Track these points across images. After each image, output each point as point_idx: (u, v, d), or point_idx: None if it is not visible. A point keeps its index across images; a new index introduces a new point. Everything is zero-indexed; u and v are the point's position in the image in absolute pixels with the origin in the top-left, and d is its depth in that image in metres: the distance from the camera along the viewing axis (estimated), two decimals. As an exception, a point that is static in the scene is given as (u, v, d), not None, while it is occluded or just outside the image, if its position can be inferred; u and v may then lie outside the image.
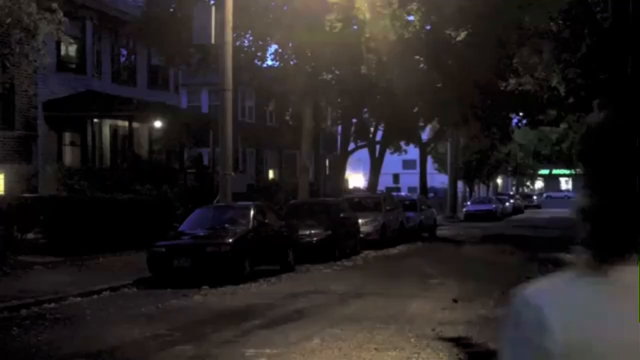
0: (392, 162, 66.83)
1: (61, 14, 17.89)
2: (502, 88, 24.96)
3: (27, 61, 18.68)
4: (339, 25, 25.52)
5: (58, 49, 26.04)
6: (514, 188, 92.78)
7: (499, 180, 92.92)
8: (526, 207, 73.12)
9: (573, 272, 1.48)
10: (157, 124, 29.66)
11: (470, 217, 50.45)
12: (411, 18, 27.66)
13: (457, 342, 9.87)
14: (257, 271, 17.42)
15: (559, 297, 1.46)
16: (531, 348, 1.46)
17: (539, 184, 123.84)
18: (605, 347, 1.39)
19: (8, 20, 17.42)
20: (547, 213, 64.45)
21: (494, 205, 54.67)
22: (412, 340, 9.93)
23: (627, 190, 1.41)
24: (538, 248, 25.85)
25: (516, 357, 1.50)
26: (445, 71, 32.52)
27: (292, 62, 29.98)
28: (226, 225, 18.42)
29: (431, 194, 58.12)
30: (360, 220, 25.51)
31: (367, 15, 25.00)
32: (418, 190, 49.33)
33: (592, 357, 1.40)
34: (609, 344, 1.39)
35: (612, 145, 1.46)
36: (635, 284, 1.39)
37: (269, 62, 35.93)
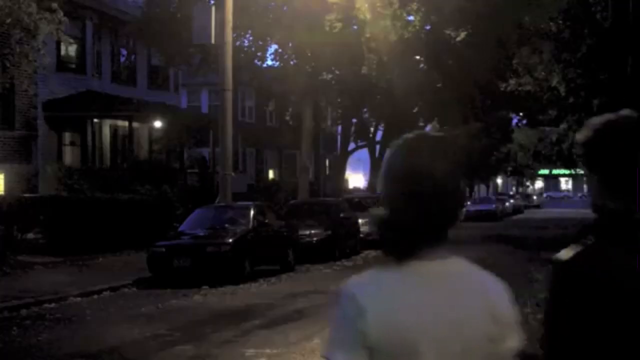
0: (392, 162, 66.66)
1: (61, 13, 17.88)
2: (502, 88, 24.94)
3: (27, 61, 18.68)
4: (338, 25, 25.52)
5: (58, 49, 26.04)
6: (514, 188, 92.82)
7: (499, 180, 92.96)
8: (526, 207, 73.15)
9: (381, 268, 1.96)
10: (157, 124, 29.65)
11: (470, 217, 50.45)
12: (411, 18, 27.66)
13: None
14: (257, 271, 17.42)
15: (371, 287, 1.92)
16: (351, 328, 1.88)
17: (539, 184, 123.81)
18: (407, 320, 1.88)
19: (8, 20, 17.42)
20: (547, 213, 64.48)
21: (494, 205, 54.66)
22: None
23: (405, 210, 1.92)
24: (538, 248, 25.85)
25: (341, 337, 1.90)
26: (445, 71, 32.52)
27: (292, 62, 29.97)
28: (226, 225, 18.41)
29: (431, 194, 58.06)
30: (360, 220, 25.50)
31: (368, 16, 25.00)
32: (418, 190, 49.33)
33: (397, 330, 1.87)
34: (409, 318, 1.88)
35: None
36: (428, 273, 1.93)
37: (269, 62, 35.98)
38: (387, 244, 1.97)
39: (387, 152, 2.14)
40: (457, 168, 2.06)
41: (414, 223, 1.93)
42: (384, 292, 1.91)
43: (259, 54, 29.98)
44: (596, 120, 2.15)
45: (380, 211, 1.99)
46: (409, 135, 2.20)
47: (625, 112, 2.16)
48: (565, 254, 2.12)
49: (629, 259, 2.00)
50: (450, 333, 1.92)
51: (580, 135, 2.17)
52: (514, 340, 2.05)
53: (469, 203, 57.38)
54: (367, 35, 25.74)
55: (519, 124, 45.42)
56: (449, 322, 1.92)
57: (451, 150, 2.08)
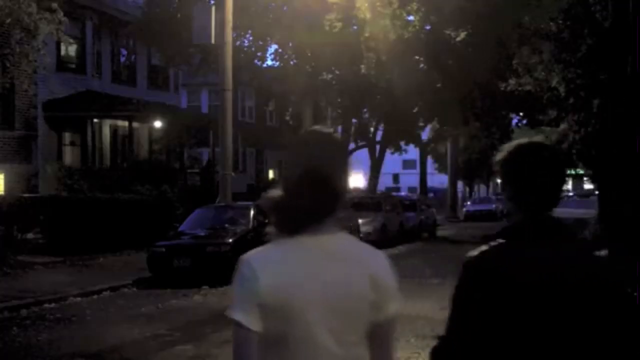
0: (392, 162, 66.84)
1: (61, 13, 17.89)
2: (502, 88, 24.91)
3: (27, 61, 18.68)
4: (338, 25, 25.52)
5: (58, 49, 26.04)
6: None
7: (499, 180, 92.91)
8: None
9: (274, 242, 2.34)
10: (157, 124, 29.65)
11: (470, 217, 50.42)
12: (411, 18, 27.67)
13: (457, 342, 9.87)
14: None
15: (263, 256, 2.32)
16: (247, 289, 2.26)
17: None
18: (289, 281, 2.25)
19: (8, 20, 17.43)
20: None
21: (494, 205, 54.64)
22: (412, 340, 9.92)
23: (301, 194, 2.29)
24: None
25: (239, 298, 2.28)
26: (445, 71, 32.50)
27: (292, 62, 29.97)
28: (226, 225, 18.41)
29: (431, 194, 58.13)
30: (360, 220, 25.49)
31: (368, 15, 24.99)
32: (418, 190, 49.36)
33: (281, 290, 2.24)
34: (290, 279, 2.25)
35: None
36: (312, 244, 2.28)
37: (269, 62, 36.07)
38: (281, 222, 2.34)
39: (290, 146, 2.46)
40: (342, 160, 2.43)
41: (308, 205, 2.29)
42: (273, 260, 2.30)
43: (259, 54, 30.00)
44: (511, 144, 2.63)
45: (273, 194, 2.37)
46: (306, 130, 2.61)
47: (536, 138, 2.65)
48: (474, 252, 2.54)
49: (533, 256, 2.43)
50: (324, 293, 2.26)
51: (499, 155, 2.63)
52: (394, 306, 2.39)
53: (469, 203, 57.43)
54: (367, 34, 25.73)
55: (519, 124, 45.35)
56: (323, 283, 2.27)
57: (337, 144, 2.47)
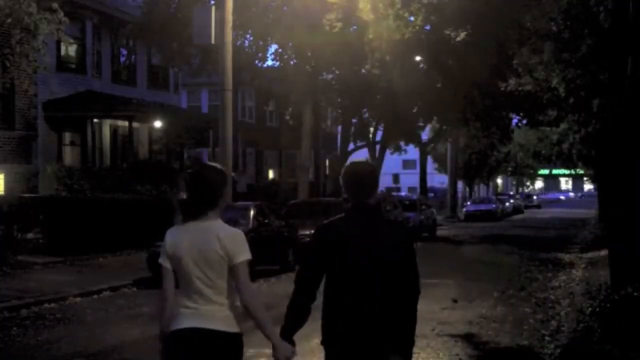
0: (392, 162, 66.87)
1: (62, 13, 17.88)
2: (502, 88, 24.88)
3: (28, 61, 18.67)
4: (338, 25, 25.52)
5: (58, 49, 26.05)
6: (514, 188, 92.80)
7: (499, 180, 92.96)
8: (526, 207, 73.17)
9: (179, 224, 4.45)
10: (157, 124, 29.65)
11: (470, 217, 50.41)
12: (412, 18, 27.67)
13: (457, 342, 9.87)
14: (256, 271, 17.38)
15: (172, 232, 4.46)
16: (163, 247, 4.44)
17: (539, 184, 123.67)
18: (176, 244, 4.40)
19: (9, 20, 17.43)
20: (546, 213, 64.48)
21: (494, 205, 54.64)
22: (412, 340, 9.92)
23: (190, 196, 4.46)
24: (538, 248, 25.86)
25: (161, 252, 4.46)
26: (445, 71, 32.52)
27: (292, 62, 29.98)
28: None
29: (431, 194, 58.10)
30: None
31: (371, 16, 25.00)
32: (418, 190, 49.34)
33: (173, 248, 4.40)
34: (178, 243, 4.39)
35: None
36: (194, 226, 4.36)
37: (269, 62, 36.05)
38: (182, 213, 4.43)
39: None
40: (216, 176, 4.49)
41: (193, 202, 4.42)
42: (173, 233, 4.46)
43: (259, 54, 29.99)
44: (346, 164, 4.61)
45: (182, 197, 4.47)
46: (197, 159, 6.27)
47: (362, 160, 4.90)
48: (325, 221, 4.47)
49: (355, 223, 4.39)
50: (194, 251, 4.34)
51: (342, 170, 4.57)
52: (242, 256, 4.32)
53: (469, 203, 57.40)
54: (370, 35, 25.72)
55: (519, 124, 45.32)
56: (193, 245, 4.34)
57: (212, 167, 4.60)
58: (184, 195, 4.43)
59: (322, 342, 4.39)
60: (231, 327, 4.35)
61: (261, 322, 4.37)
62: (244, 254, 4.32)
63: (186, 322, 4.36)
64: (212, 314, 4.33)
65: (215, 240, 4.30)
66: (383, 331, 4.26)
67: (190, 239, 4.35)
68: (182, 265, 4.36)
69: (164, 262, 4.44)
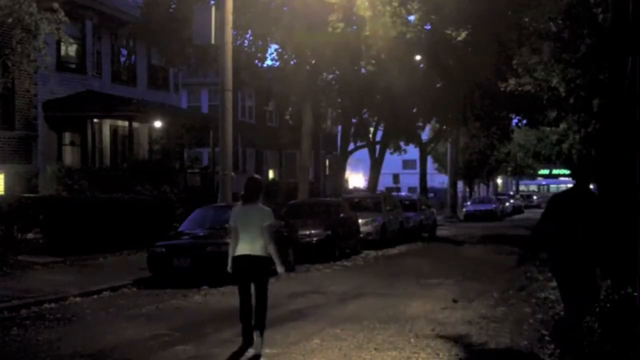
0: (392, 162, 66.80)
1: (62, 13, 17.89)
2: (502, 88, 24.90)
3: (28, 61, 18.68)
4: (340, 25, 25.52)
5: (58, 49, 26.05)
6: (514, 188, 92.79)
7: (499, 180, 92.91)
8: (526, 207, 73.18)
9: (241, 204, 9.62)
10: (157, 124, 29.64)
11: (470, 217, 50.44)
12: (411, 18, 27.66)
13: (457, 342, 9.87)
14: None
15: (237, 208, 9.70)
16: (232, 215, 9.61)
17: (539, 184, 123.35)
18: (236, 214, 9.56)
19: (9, 20, 17.43)
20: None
21: (494, 205, 54.66)
22: (412, 340, 9.93)
23: (245, 190, 9.83)
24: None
25: (231, 217, 9.63)
26: (445, 71, 32.53)
27: (292, 62, 29.96)
28: (226, 225, 18.36)
29: (431, 194, 58.11)
30: (360, 220, 25.49)
31: (368, 13, 24.98)
32: (418, 190, 49.34)
33: (235, 218, 9.53)
34: (238, 214, 9.55)
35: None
36: (246, 206, 9.55)
37: (269, 62, 36.01)
38: (243, 200, 9.53)
39: None
40: (258, 182, 9.77)
41: (248, 195, 9.53)
42: (238, 208, 9.61)
43: (259, 54, 29.96)
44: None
45: (242, 193, 9.69)
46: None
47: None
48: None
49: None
50: (248, 218, 9.39)
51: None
52: (268, 222, 9.35)
53: (468, 203, 57.42)
54: (367, 32, 25.70)
55: (519, 124, 45.34)
56: (247, 215, 9.41)
57: (256, 177, 10.17)
58: (242, 192, 9.55)
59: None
60: (263, 253, 9.34)
61: (272, 252, 9.32)
62: (269, 221, 9.35)
63: (242, 250, 9.34)
64: (254, 247, 9.31)
65: (259, 213, 9.35)
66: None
67: (246, 211, 9.38)
68: (242, 224, 9.33)
69: (232, 223, 9.41)
